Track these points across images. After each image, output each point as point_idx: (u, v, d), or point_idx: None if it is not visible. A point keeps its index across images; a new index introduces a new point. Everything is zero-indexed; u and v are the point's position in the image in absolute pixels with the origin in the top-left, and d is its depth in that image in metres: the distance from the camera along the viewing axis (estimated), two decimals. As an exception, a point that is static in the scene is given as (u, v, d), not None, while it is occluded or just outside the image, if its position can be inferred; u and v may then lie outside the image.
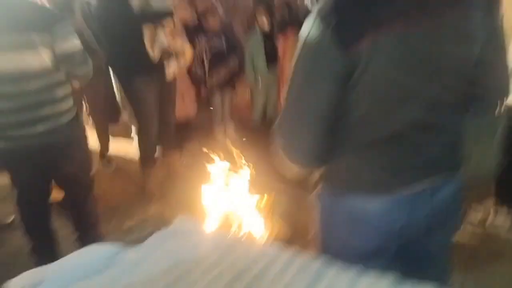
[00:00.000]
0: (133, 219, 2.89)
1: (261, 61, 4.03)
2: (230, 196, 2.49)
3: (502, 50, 1.14)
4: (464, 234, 2.40)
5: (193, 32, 3.63)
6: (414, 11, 0.96)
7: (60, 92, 2.07)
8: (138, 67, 2.83)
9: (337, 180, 1.18)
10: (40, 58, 1.94)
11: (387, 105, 1.04)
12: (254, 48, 4.01)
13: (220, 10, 3.89)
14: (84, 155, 2.38)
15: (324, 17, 0.94)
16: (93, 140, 3.65)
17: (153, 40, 2.75)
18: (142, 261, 1.12)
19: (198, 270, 1.07)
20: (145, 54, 2.79)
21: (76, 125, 2.21)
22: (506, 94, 1.21)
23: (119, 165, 3.80)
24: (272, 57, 4.02)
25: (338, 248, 1.21)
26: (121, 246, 1.21)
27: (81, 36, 2.54)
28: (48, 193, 2.35)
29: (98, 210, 2.52)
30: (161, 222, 1.44)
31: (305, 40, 0.98)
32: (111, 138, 3.90)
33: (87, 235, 2.35)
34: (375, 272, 1.04)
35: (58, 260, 1.14)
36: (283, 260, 1.10)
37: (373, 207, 1.12)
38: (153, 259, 1.13)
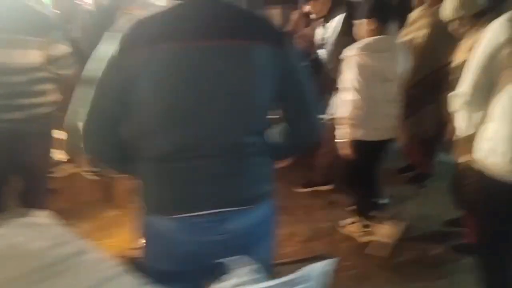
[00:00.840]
0: (87, 221, 3.04)
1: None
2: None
3: (303, 91, 1.18)
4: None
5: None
6: (187, 35, 1.08)
7: (41, 87, 2.35)
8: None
9: (141, 198, 1.23)
10: (28, 57, 2.23)
11: (164, 122, 1.12)
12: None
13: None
14: (48, 149, 2.61)
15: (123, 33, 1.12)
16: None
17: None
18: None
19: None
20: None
21: (50, 120, 2.47)
22: (312, 137, 1.24)
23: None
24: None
25: (149, 267, 1.23)
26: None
27: (76, 43, 2.84)
28: (6, 178, 2.57)
29: (53, 207, 2.70)
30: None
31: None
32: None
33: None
34: None
35: None
36: (97, 261, 1.17)
37: (166, 228, 1.16)
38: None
